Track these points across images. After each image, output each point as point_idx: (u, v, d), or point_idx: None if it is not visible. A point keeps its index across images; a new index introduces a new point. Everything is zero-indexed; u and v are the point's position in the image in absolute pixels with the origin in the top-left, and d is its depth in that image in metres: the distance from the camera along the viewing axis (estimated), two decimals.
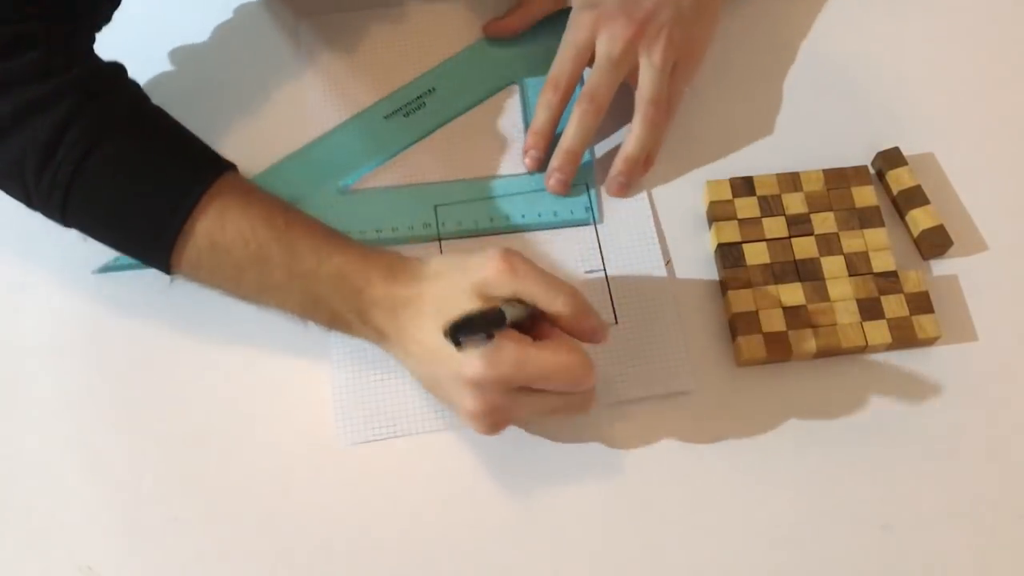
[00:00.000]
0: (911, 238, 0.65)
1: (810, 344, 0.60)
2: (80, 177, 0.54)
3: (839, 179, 0.65)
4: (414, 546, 0.57)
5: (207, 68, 0.61)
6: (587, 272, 0.64)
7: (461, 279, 0.53)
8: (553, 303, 0.52)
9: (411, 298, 0.54)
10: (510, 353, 0.50)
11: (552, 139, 0.66)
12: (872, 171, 0.67)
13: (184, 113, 0.58)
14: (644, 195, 0.66)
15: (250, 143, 0.67)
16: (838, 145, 0.67)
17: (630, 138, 0.65)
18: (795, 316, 0.61)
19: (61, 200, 0.55)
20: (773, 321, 0.61)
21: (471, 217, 0.65)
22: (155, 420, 0.60)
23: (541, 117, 0.66)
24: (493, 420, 0.53)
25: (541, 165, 0.66)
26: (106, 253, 0.62)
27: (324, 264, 0.55)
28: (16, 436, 0.60)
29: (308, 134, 0.68)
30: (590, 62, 0.65)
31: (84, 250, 0.60)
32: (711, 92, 0.70)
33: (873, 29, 0.72)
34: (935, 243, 0.63)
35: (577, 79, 0.66)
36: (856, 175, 0.65)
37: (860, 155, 0.67)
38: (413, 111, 0.69)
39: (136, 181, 0.55)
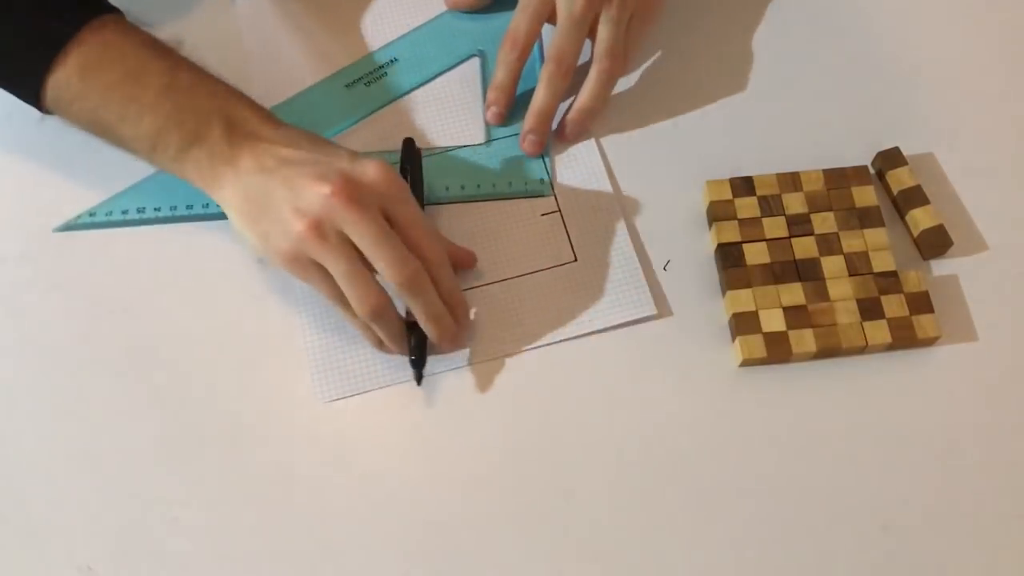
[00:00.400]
0: (911, 238, 0.65)
1: (810, 344, 0.60)
2: None
3: (839, 179, 0.65)
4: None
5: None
6: (542, 215, 0.65)
7: (346, 152, 0.56)
8: (423, 250, 0.56)
9: (285, 127, 0.57)
10: (396, 179, 0.54)
11: (513, 95, 0.68)
12: (872, 171, 0.67)
13: None
14: (594, 147, 0.67)
15: None
16: (838, 145, 0.67)
17: (585, 90, 0.66)
18: (795, 316, 0.61)
19: None
20: (773, 321, 0.61)
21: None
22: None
23: (500, 74, 0.67)
24: (313, 240, 0.53)
25: (503, 120, 0.68)
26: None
27: (206, 81, 0.57)
28: (16, 435, 0.60)
29: (267, 101, 0.67)
30: (549, 19, 0.66)
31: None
32: (711, 92, 0.69)
33: (873, 29, 0.72)
34: (935, 243, 0.63)
35: (535, 36, 0.67)
36: (856, 175, 0.65)
37: (860, 155, 0.67)
38: (374, 80, 0.70)
39: (23, 8, 0.57)
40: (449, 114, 0.69)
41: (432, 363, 0.60)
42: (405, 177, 0.60)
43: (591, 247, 0.64)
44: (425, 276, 0.56)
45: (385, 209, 0.55)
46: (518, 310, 0.62)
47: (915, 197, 0.64)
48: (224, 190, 0.56)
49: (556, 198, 0.66)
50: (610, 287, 0.63)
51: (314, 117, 0.68)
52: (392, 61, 0.71)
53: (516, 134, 0.67)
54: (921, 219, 0.64)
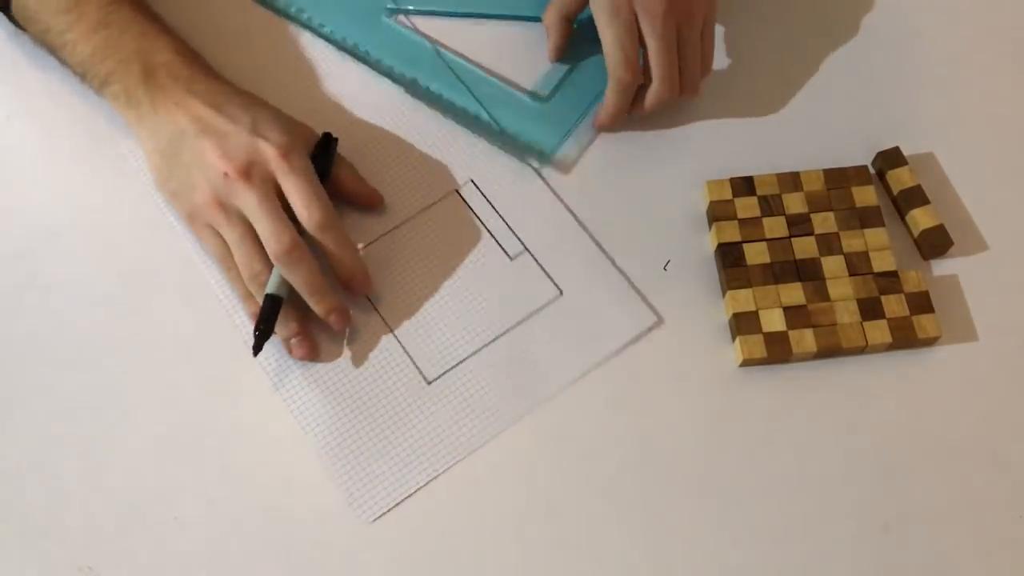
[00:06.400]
0: (911, 238, 0.65)
1: (810, 344, 0.60)
2: None
3: (839, 179, 0.65)
4: (412, 545, 0.57)
5: None
6: (511, 259, 0.64)
7: (250, 121, 0.58)
8: (304, 216, 0.58)
9: (202, 80, 0.60)
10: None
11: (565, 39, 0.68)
12: (872, 171, 0.67)
13: None
14: (544, 186, 0.66)
15: None
16: (838, 145, 0.67)
17: (643, 94, 0.65)
18: (795, 316, 0.61)
19: None
20: (773, 321, 0.61)
21: (449, 88, 0.69)
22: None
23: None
24: (214, 210, 0.58)
25: (561, 54, 0.69)
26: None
27: (140, 22, 0.61)
28: (16, 435, 0.60)
29: None
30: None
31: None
32: (711, 91, 0.69)
33: (873, 28, 0.72)
34: (935, 243, 0.63)
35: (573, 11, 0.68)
36: (856, 175, 0.65)
37: (860, 155, 0.67)
38: None
39: None
40: (516, 52, 0.69)
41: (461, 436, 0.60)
42: (317, 164, 0.60)
43: (571, 276, 0.63)
44: (302, 250, 0.58)
45: (277, 181, 0.58)
46: (521, 367, 0.61)
47: (915, 197, 0.64)
48: (140, 133, 0.61)
49: (520, 239, 0.64)
50: (604, 309, 0.62)
51: None
52: None
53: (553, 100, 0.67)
54: (921, 219, 0.64)
